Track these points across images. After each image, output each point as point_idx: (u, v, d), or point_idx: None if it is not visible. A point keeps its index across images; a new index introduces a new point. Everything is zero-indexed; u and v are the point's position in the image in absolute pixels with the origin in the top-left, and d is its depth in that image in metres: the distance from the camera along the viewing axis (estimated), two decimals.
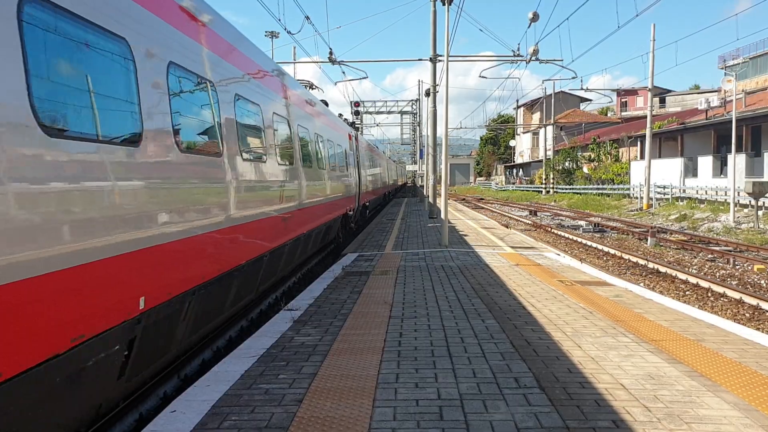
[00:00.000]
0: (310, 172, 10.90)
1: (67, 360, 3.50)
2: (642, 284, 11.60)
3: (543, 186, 57.79)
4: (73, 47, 3.76)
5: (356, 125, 38.04)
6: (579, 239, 19.82)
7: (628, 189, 40.17)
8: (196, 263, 5.41)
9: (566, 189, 51.98)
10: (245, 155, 6.89)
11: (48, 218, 3.35)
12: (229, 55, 6.75)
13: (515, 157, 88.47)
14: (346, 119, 22.78)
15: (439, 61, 20.35)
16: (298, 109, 10.64)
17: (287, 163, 9.19)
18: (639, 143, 42.84)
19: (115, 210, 4.01)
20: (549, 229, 23.79)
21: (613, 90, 47.28)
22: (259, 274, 7.80)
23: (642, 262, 14.47)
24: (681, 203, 31.60)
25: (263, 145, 7.94)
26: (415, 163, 48.53)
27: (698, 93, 66.50)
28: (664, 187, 34.28)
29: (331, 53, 22.81)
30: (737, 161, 25.33)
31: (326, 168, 13.00)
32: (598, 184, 46.60)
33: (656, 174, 34.83)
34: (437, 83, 20.75)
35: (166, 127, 4.89)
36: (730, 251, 16.35)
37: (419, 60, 22.96)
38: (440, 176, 22.50)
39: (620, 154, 49.11)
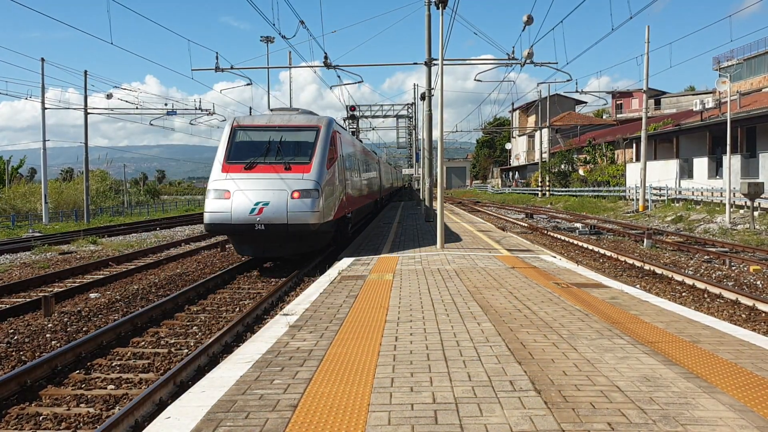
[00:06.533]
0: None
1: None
2: (638, 286, 11.60)
3: (539, 189, 57.85)
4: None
5: (352, 129, 38.03)
6: (575, 242, 19.83)
7: (624, 191, 40.25)
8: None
9: (562, 191, 52.06)
10: (364, 174, 20.97)
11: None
12: (361, 149, 22.72)
13: (511, 160, 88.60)
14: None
15: (434, 64, 20.38)
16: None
17: (376, 173, 23.60)
18: (634, 145, 42.95)
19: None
20: (545, 231, 23.80)
21: (608, 92, 47.20)
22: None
23: (638, 264, 14.48)
24: (677, 205, 31.67)
25: (369, 170, 23.66)
26: (412, 166, 48.53)
27: (693, 94, 66.71)
28: (660, 189, 34.36)
29: (326, 58, 22.82)
30: (732, 162, 25.41)
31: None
32: (594, 187, 46.68)
33: (652, 176, 34.92)
34: (433, 87, 20.77)
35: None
36: (726, 252, 16.37)
37: (414, 64, 22.99)
38: (436, 179, 22.56)
39: (616, 156, 49.22)
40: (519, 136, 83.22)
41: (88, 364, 6.97)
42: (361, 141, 30.80)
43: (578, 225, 26.03)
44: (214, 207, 12.77)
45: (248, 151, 13.72)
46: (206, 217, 12.89)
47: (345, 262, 12.00)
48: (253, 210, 12.46)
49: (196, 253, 17.85)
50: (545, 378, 4.45)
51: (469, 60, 23.91)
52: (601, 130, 63.96)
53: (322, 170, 13.35)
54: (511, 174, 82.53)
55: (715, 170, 31.82)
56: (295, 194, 12.68)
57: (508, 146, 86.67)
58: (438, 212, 14.12)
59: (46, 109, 35.74)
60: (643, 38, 32.20)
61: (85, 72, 36.47)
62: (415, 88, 44.82)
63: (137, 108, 36.69)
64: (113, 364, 6.96)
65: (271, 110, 16.89)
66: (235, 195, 12.68)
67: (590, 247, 18.13)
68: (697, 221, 24.93)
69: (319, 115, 15.44)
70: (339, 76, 36.54)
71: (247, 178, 12.99)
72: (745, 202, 24.05)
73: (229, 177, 13.09)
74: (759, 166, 27.07)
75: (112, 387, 6.20)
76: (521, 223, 28.47)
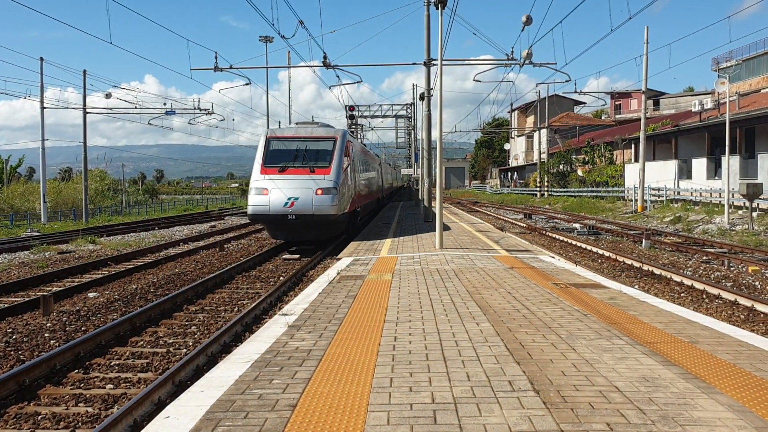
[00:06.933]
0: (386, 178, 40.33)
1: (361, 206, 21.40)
2: (637, 286, 11.61)
3: (537, 189, 57.89)
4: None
5: (353, 130, 38.26)
6: (573, 242, 19.84)
7: (623, 191, 40.28)
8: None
9: (561, 192, 52.08)
10: (368, 174, 24.58)
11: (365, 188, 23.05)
12: (366, 154, 26.99)
13: (510, 161, 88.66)
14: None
15: (434, 65, 20.37)
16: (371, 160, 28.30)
17: (378, 174, 30.47)
18: (633, 146, 42.96)
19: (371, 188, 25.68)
20: (543, 232, 23.81)
21: (606, 93, 47.26)
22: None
23: (637, 264, 14.49)
24: (675, 205, 31.70)
25: (372, 170, 26.80)
26: (411, 166, 48.53)
27: (692, 95, 66.75)
28: (659, 190, 34.38)
29: (325, 57, 22.82)
30: (731, 163, 25.43)
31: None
32: (593, 187, 46.69)
33: (650, 176, 34.94)
34: (432, 87, 20.76)
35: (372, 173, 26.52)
36: (725, 253, 16.38)
37: (413, 64, 23.00)
38: (435, 180, 22.58)
39: (614, 156, 49.24)
40: (518, 136, 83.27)
41: (87, 363, 6.96)
42: (364, 144, 33.42)
43: (577, 225, 26.05)
44: (255, 201, 16.10)
45: (280, 157, 16.99)
46: (250, 209, 16.28)
47: (344, 262, 12.00)
48: (286, 203, 15.80)
49: (194, 253, 17.84)
50: (544, 378, 4.46)
51: (468, 60, 23.92)
52: (600, 131, 64.01)
53: (339, 173, 16.61)
54: (509, 174, 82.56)
55: (714, 171, 31.85)
56: (319, 191, 15.97)
57: (506, 147, 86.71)
58: (437, 212, 14.12)
59: (45, 108, 35.69)
60: (642, 39, 32.24)
61: (84, 71, 36.45)
62: (414, 88, 44.84)
63: (136, 107, 36.69)
64: (112, 364, 6.95)
65: (296, 123, 20.54)
66: (272, 192, 15.97)
67: (589, 247, 18.14)
68: (695, 222, 24.95)
69: (335, 128, 19.00)
70: (338, 76, 36.59)
71: (280, 179, 16.25)
72: (744, 203, 24.08)
73: (266, 178, 16.33)
74: (757, 167, 27.10)
75: (111, 386, 6.20)
76: (520, 224, 28.48)
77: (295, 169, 16.56)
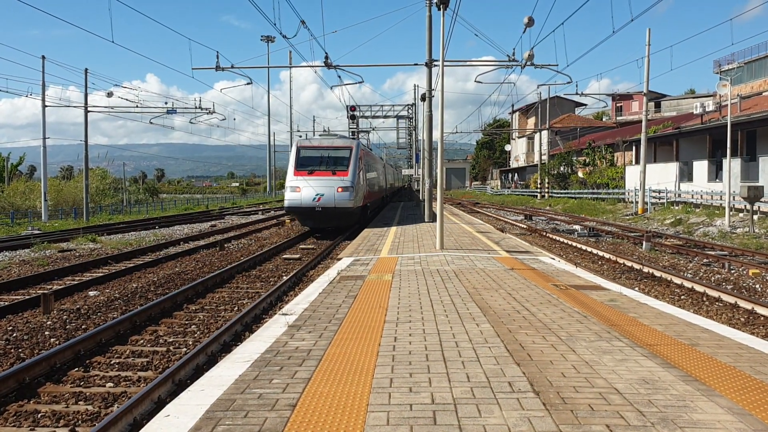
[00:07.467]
0: (389, 179, 41.57)
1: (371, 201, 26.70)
2: (637, 288, 11.61)
3: (538, 190, 57.88)
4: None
5: (353, 131, 38.43)
6: (574, 243, 19.83)
7: (623, 193, 40.27)
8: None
9: (561, 193, 52.07)
10: (376, 176, 28.82)
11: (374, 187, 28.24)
12: (374, 159, 31.20)
13: (510, 162, 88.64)
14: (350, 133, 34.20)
15: (435, 65, 20.39)
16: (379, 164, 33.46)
17: (383, 176, 33.30)
18: (634, 148, 42.96)
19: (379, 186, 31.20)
20: (544, 233, 23.80)
21: (608, 94, 47.24)
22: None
23: (637, 266, 14.48)
24: (676, 208, 31.68)
25: (379, 173, 31.16)
26: (411, 167, 48.55)
27: (693, 97, 66.67)
28: (659, 192, 34.37)
29: (327, 58, 22.84)
30: (732, 166, 25.42)
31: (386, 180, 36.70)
32: (593, 189, 46.68)
33: (651, 178, 34.93)
34: (433, 88, 20.77)
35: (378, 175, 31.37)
36: (726, 256, 16.37)
37: (415, 65, 23.01)
38: (436, 180, 22.63)
39: (615, 158, 49.22)
40: (519, 137, 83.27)
41: (87, 361, 6.97)
42: (371, 150, 37.79)
43: (577, 227, 26.04)
44: (290, 197, 20.62)
45: (309, 162, 21.49)
46: (286, 203, 20.90)
47: (344, 262, 12.01)
48: (314, 198, 20.27)
49: (194, 252, 17.84)
50: (544, 379, 4.46)
51: (470, 61, 23.96)
52: (601, 133, 63.99)
53: (354, 175, 21.12)
54: (510, 175, 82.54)
55: (715, 173, 31.84)
56: (339, 189, 20.44)
57: (507, 148, 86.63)
58: (438, 213, 14.12)
59: (47, 106, 35.71)
60: (644, 41, 32.24)
61: (86, 70, 36.48)
62: (415, 89, 44.87)
63: (137, 106, 36.71)
64: (112, 362, 6.96)
65: (320, 135, 25.22)
66: (304, 189, 20.44)
67: (589, 249, 18.13)
68: (696, 224, 24.95)
69: (351, 138, 25.17)
70: (339, 76, 36.53)
71: (310, 179, 20.68)
72: (745, 206, 24.06)
73: (299, 179, 20.83)
74: (759, 170, 27.09)
75: (111, 385, 6.20)
76: (520, 225, 28.48)
77: (321, 172, 20.97)
